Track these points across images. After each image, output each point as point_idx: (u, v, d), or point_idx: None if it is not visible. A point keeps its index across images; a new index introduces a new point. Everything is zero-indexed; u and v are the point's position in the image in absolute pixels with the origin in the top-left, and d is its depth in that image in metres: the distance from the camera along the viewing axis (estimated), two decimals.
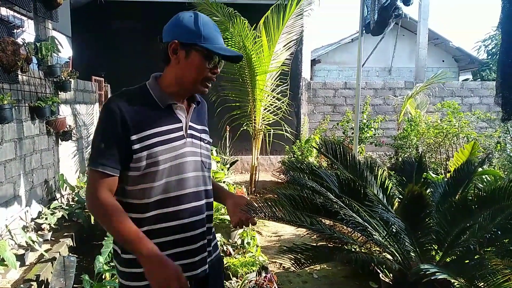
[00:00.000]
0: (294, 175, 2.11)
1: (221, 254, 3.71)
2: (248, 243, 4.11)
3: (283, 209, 1.90)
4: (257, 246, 4.09)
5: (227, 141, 6.57)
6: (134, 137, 1.26)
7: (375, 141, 6.79)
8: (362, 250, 1.83)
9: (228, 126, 6.43)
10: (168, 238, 1.34)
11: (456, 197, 1.65)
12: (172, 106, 1.35)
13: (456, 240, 1.67)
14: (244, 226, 1.43)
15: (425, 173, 2.21)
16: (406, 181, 2.10)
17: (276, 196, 1.98)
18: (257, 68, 5.78)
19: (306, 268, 4.36)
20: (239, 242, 4.21)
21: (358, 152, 5.49)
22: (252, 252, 3.88)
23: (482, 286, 1.32)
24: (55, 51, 4.31)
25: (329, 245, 1.88)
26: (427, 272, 1.28)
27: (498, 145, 5.21)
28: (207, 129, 1.47)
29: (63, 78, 4.46)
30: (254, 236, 4.23)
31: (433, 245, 1.74)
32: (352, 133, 6.89)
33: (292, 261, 1.70)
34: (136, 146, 1.26)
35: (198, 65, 1.29)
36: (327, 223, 1.99)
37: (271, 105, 6.12)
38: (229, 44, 5.63)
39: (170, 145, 1.32)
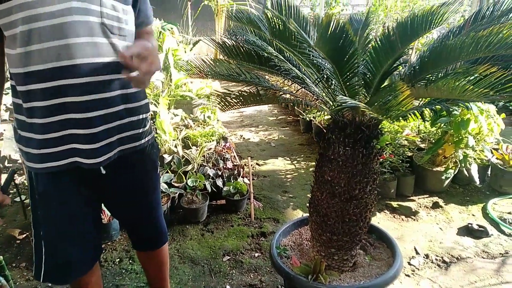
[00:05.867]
0: (236, 31, 2.05)
1: (181, 126, 3.81)
2: (209, 117, 4.20)
3: (222, 66, 1.89)
4: (218, 120, 4.19)
5: (189, 20, 6.23)
6: None
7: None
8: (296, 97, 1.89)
9: (189, 1, 6.04)
10: (55, 118, 1.11)
11: (380, 33, 1.64)
12: None
13: (382, 81, 1.72)
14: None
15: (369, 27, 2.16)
16: None
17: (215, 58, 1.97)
18: None
19: (265, 138, 4.59)
20: (200, 116, 4.30)
21: None
22: (212, 125, 3.98)
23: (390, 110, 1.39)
24: None
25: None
26: (342, 102, 1.33)
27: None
28: None
29: None
30: (215, 111, 4.30)
31: (361, 88, 1.79)
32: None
33: (221, 103, 1.74)
34: None
35: None
36: (266, 77, 2.01)
37: None
38: None
39: None
